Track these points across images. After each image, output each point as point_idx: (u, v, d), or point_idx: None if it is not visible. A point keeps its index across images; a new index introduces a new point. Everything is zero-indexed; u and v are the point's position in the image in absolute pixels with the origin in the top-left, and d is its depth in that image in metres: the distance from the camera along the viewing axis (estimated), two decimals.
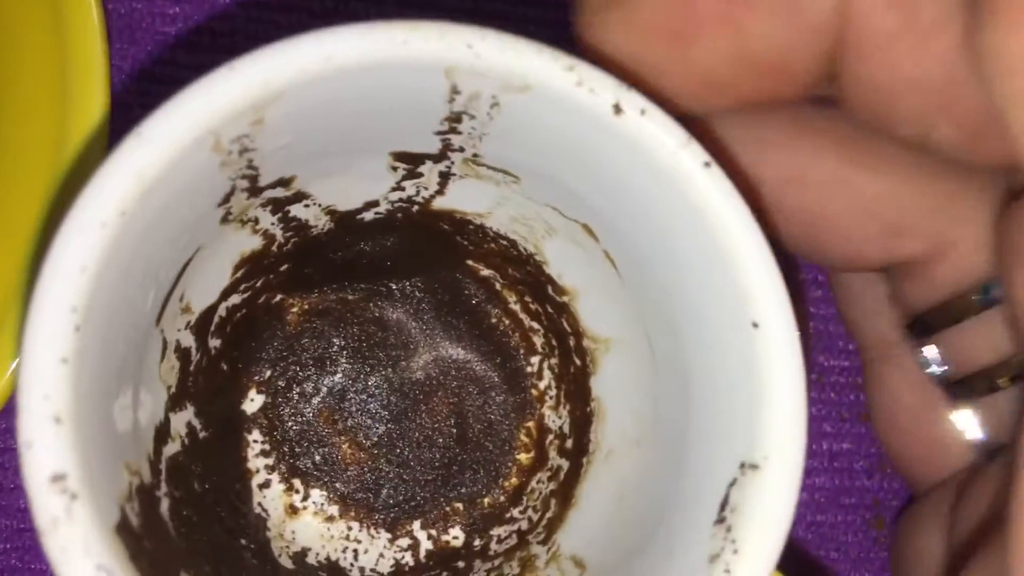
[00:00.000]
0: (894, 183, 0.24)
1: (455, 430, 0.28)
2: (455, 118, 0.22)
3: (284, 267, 0.27)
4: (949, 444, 0.27)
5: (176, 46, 0.30)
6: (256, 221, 0.25)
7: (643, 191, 0.21)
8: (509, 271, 0.28)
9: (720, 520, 0.21)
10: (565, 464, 0.28)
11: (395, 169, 0.25)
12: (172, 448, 0.25)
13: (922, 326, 0.27)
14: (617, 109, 0.20)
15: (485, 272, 0.28)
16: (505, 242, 0.27)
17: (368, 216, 0.27)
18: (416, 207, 0.26)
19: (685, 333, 0.22)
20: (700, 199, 0.20)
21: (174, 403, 0.25)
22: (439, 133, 0.23)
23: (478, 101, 0.21)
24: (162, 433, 0.24)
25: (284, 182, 0.24)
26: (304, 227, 0.26)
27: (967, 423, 0.27)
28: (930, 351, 0.27)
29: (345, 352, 0.28)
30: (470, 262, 0.28)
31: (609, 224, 0.23)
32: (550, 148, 0.22)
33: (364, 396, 0.29)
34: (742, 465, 0.21)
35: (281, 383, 0.28)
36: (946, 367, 0.27)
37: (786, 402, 0.21)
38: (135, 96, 0.29)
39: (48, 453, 0.18)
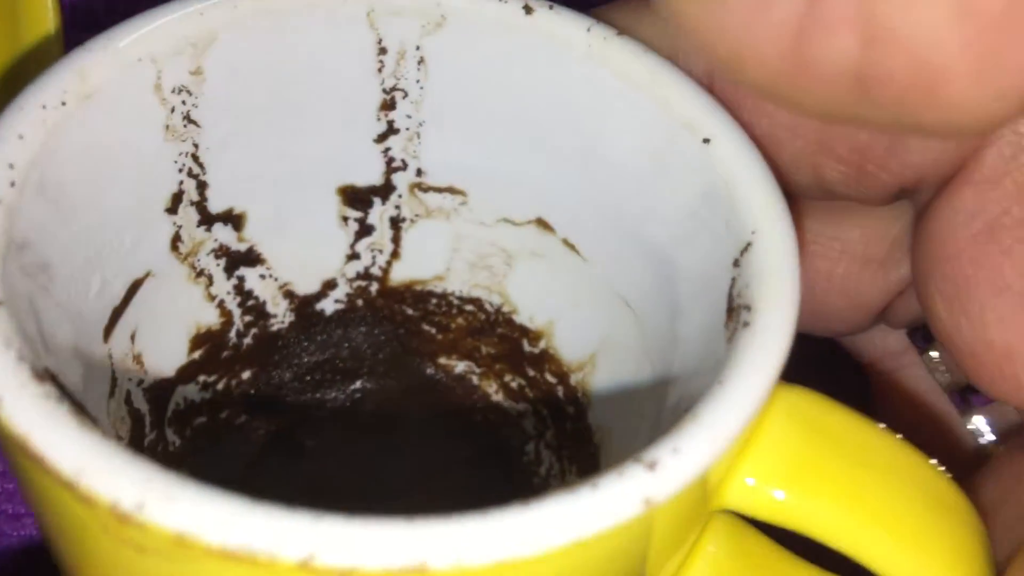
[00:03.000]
0: (866, 227, 0.25)
1: None
2: (389, 103, 0.23)
3: (247, 374, 0.26)
4: (962, 451, 0.26)
5: None
6: (211, 281, 0.24)
7: (568, 90, 0.22)
8: (483, 351, 0.26)
9: (731, 309, 0.19)
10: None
11: (346, 221, 0.25)
12: None
13: (924, 333, 0.26)
14: (528, 9, 0.22)
15: (460, 368, 0.27)
16: (471, 307, 0.26)
17: (329, 307, 0.26)
18: (375, 284, 0.26)
19: (661, 228, 0.22)
20: (625, 66, 0.21)
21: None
22: (379, 139, 0.24)
23: (404, 61, 0.23)
24: None
25: (235, 220, 0.24)
26: (263, 314, 0.25)
27: (979, 427, 0.26)
28: (935, 356, 0.26)
29: (317, 474, 0.26)
30: (442, 359, 0.27)
31: (560, 190, 0.23)
32: (482, 105, 0.23)
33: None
34: (736, 264, 0.19)
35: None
36: (949, 373, 0.26)
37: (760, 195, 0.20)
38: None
39: None
